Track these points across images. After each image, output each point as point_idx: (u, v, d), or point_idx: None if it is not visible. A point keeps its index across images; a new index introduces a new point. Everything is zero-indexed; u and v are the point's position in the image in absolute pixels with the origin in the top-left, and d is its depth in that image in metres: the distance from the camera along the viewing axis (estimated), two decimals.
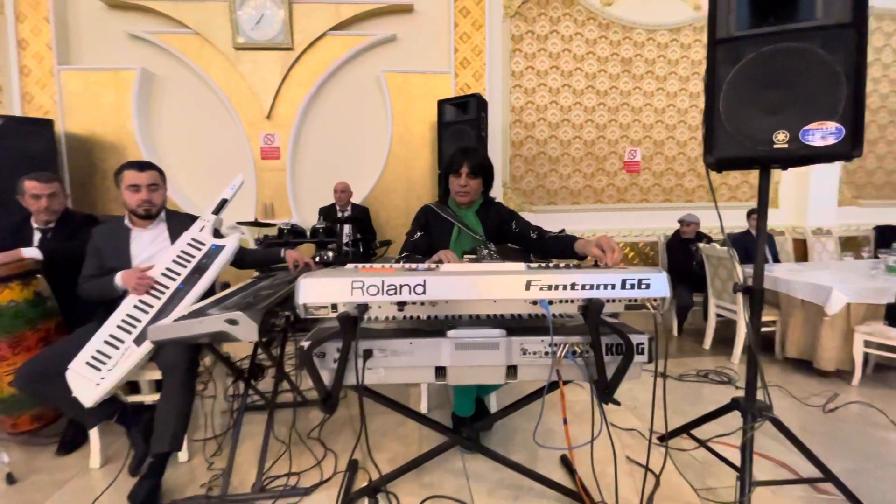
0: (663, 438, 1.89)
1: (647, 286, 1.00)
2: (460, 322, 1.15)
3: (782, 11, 1.35)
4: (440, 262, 1.37)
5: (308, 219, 4.10)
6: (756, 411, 1.51)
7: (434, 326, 1.15)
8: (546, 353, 1.09)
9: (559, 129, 4.44)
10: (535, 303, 1.00)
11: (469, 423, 1.68)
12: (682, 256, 3.84)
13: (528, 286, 0.99)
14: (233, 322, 1.16)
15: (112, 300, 1.58)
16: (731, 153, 1.40)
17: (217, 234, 1.77)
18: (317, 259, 3.15)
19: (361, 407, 1.03)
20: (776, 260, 3.94)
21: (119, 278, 1.56)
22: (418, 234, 1.73)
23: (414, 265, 1.20)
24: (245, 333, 1.17)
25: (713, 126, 1.41)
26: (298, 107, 4.09)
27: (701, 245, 3.51)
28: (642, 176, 4.61)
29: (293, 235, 2.85)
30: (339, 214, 3.72)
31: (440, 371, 1.11)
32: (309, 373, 1.05)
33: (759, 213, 1.49)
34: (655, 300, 1.00)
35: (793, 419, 2.28)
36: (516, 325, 1.14)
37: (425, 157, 4.13)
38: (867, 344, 2.62)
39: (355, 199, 3.97)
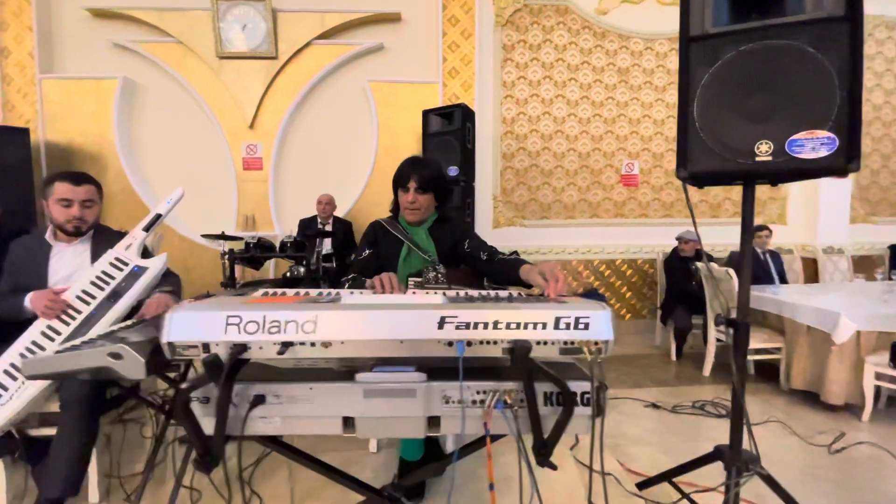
0: (643, 485, 1.68)
1: (586, 326, 0.82)
2: (382, 362, 0.98)
3: (766, 4, 1.19)
4: (374, 287, 1.21)
5: (291, 231, 3.97)
6: (742, 464, 1.30)
7: (352, 365, 0.98)
8: (473, 402, 0.92)
9: (552, 140, 4.29)
10: (450, 344, 0.83)
11: (417, 467, 1.49)
12: (681, 276, 3.63)
13: (441, 324, 0.82)
14: (116, 356, 1.00)
15: (23, 322, 1.44)
16: (708, 167, 1.22)
17: (148, 253, 1.63)
18: (287, 274, 3.01)
19: (240, 469, 0.86)
20: (783, 280, 3.70)
21: (28, 300, 1.42)
22: (366, 252, 1.57)
23: (321, 293, 1.03)
24: (130, 369, 1.00)
25: (687, 136, 1.24)
26: (282, 117, 4.00)
27: (699, 264, 3.30)
28: (641, 190, 4.43)
29: (260, 250, 2.71)
30: (320, 227, 3.58)
31: (348, 422, 0.94)
32: (182, 422, 0.88)
33: (743, 235, 1.30)
34: (596, 343, 0.82)
35: (795, 461, 2.05)
36: (442, 366, 0.96)
37: None
38: (878, 376, 2.38)
39: (339, 213, 3.84)
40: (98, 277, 1.48)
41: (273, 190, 4.07)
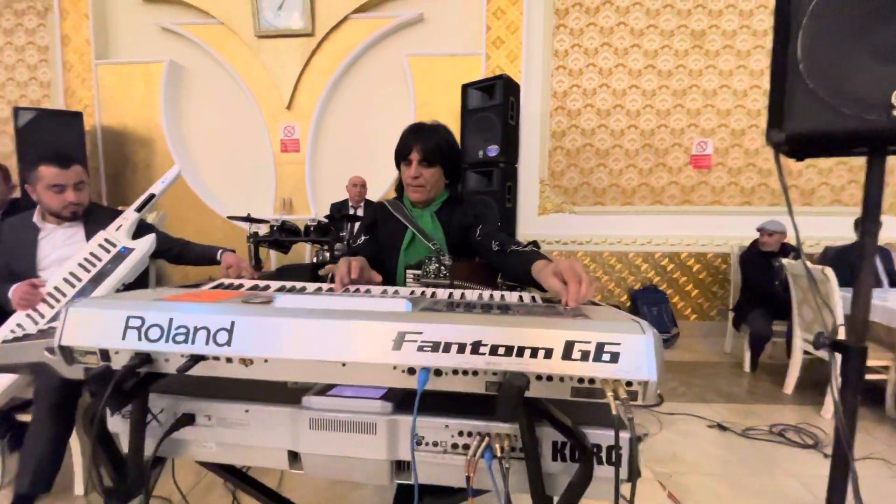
0: None
1: (614, 358, 0.54)
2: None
3: None
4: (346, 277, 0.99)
5: (318, 215, 3.89)
6: None
7: (308, 382, 0.78)
8: (454, 447, 0.68)
9: (610, 116, 3.84)
10: (411, 371, 0.59)
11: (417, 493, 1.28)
12: (762, 274, 3.10)
13: (399, 342, 0.58)
14: (53, 351, 0.86)
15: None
16: (817, 126, 0.87)
17: (142, 232, 1.53)
18: (315, 259, 2.90)
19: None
20: (893, 283, 3.06)
21: (11, 290, 1.36)
22: (362, 238, 1.38)
23: (284, 287, 0.83)
24: (69, 368, 0.86)
25: (785, 83, 0.88)
26: (319, 97, 3.89)
27: (786, 261, 2.78)
28: (714, 173, 3.87)
29: (284, 233, 2.61)
30: (352, 211, 3.45)
31: (295, 456, 0.73)
32: (92, 441, 0.71)
33: (865, 223, 0.93)
34: (629, 385, 0.54)
35: None
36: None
37: None
38: None
39: (374, 196, 3.69)
40: (86, 259, 1.40)
41: (309, 172, 3.99)
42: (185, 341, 0.62)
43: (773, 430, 2.23)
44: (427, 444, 0.68)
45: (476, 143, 3.19)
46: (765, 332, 2.96)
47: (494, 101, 3.11)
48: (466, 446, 0.67)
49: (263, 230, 2.79)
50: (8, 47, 3.95)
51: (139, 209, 1.49)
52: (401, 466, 0.71)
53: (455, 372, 0.58)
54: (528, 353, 0.56)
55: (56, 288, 1.35)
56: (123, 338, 0.64)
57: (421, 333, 0.58)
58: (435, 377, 0.59)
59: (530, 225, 3.91)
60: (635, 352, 0.55)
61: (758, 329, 2.99)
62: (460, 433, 0.67)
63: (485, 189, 3.21)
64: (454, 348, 0.57)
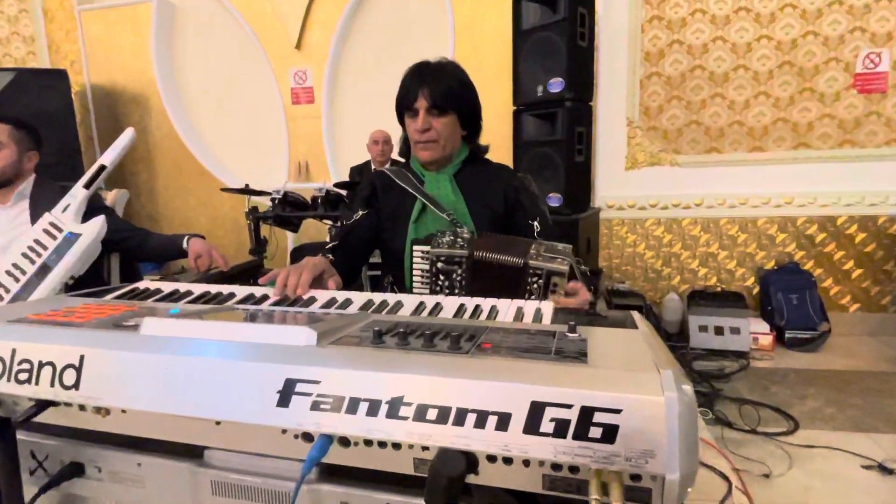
0: None
1: (608, 435, 0.41)
2: None
3: None
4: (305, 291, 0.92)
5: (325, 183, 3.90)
6: None
7: None
8: None
9: (729, 26, 3.41)
10: (308, 437, 0.50)
11: None
12: None
13: (286, 396, 0.49)
14: None
15: None
16: None
17: (92, 212, 1.57)
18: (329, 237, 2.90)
19: None
20: None
21: None
22: (360, 213, 1.35)
23: (188, 294, 0.77)
24: None
25: None
26: (333, 32, 3.84)
27: None
28: (891, 99, 3.33)
29: (288, 207, 2.63)
30: None
31: None
32: None
33: None
34: (636, 480, 0.41)
35: None
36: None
37: (501, 90, 3.52)
38: None
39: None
40: (30, 248, 1.47)
41: (327, 128, 3.99)
42: (29, 380, 0.58)
43: None
44: None
45: (534, 75, 2.97)
46: None
47: (558, 16, 2.85)
48: None
49: (266, 203, 2.84)
50: None
51: (88, 185, 1.54)
52: None
53: (368, 443, 0.48)
54: (471, 419, 0.45)
55: None
56: None
57: (318, 383, 0.49)
58: (341, 447, 0.49)
59: (614, 184, 3.64)
60: (645, 425, 0.41)
61: None
62: None
63: (546, 138, 3.00)
64: (363, 408, 0.47)
